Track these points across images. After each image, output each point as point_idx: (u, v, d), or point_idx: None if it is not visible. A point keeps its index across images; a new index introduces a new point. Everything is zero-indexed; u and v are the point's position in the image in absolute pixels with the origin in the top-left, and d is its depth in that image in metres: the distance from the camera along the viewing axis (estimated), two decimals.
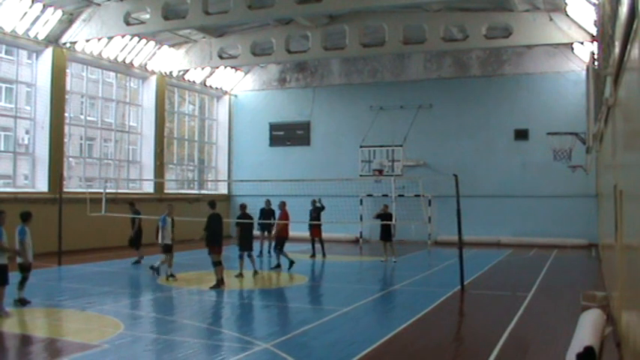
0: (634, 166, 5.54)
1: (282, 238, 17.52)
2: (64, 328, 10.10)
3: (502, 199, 25.77)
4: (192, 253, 19.16)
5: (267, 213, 19.01)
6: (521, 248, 23.69)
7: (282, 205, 18.10)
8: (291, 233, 25.92)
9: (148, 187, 26.34)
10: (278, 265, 17.22)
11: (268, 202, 19.45)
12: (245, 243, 15.38)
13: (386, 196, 22.17)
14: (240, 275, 15.21)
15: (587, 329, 7.95)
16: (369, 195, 25.85)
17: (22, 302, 11.09)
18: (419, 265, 19.09)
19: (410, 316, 10.58)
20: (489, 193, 25.82)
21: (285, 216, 17.97)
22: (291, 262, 16.85)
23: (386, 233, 18.91)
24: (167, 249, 14.96)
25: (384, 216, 18.64)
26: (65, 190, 20.04)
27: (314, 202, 20.25)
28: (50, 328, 10.11)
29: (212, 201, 14.75)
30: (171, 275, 14.75)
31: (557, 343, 8.66)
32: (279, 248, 17.35)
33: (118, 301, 12.59)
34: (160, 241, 15.13)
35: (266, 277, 15.85)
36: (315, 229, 19.94)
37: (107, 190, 19.07)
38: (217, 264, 13.70)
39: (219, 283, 13.59)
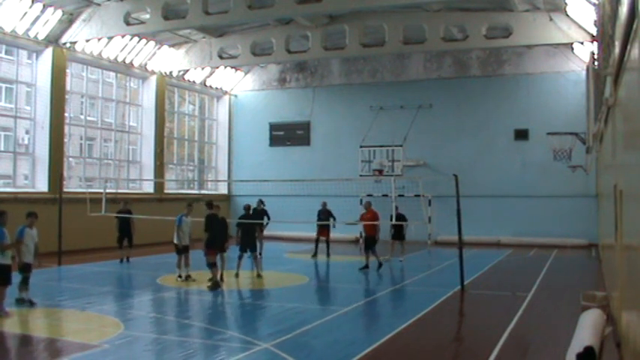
0: (634, 166, 5.55)
1: (370, 238, 17.05)
2: (64, 328, 10.11)
3: (502, 199, 25.76)
4: (191, 253, 19.08)
5: (259, 213, 18.85)
6: (521, 248, 23.67)
7: (368, 204, 17.54)
8: (290, 233, 26.29)
9: (148, 187, 26.34)
10: (380, 265, 16.77)
11: (260, 202, 19.39)
12: (244, 243, 15.37)
13: (386, 196, 22.11)
14: (236, 275, 15.22)
15: (587, 329, 7.96)
16: (369, 195, 25.66)
17: (31, 303, 11.13)
18: (419, 265, 19.08)
19: (410, 316, 10.58)
20: (489, 193, 25.80)
21: (373, 216, 17.23)
22: (380, 264, 16.69)
23: (398, 233, 19.46)
24: (179, 250, 14.80)
25: (397, 217, 18.55)
26: (65, 190, 20.04)
27: (324, 203, 20.28)
28: (50, 328, 10.10)
29: (210, 201, 14.64)
30: (188, 276, 14.61)
31: (557, 343, 8.65)
32: (370, 249, 16.84)
33: (118, 301, 12.61)
34: (174, 240, 15.02)
35: (267, 278, 15.83)
36: (324, 230, 20.02)
37: (107, 190, 19.04)
38: (212, 265, 13.70)
39: (217, 285, 13.57)
